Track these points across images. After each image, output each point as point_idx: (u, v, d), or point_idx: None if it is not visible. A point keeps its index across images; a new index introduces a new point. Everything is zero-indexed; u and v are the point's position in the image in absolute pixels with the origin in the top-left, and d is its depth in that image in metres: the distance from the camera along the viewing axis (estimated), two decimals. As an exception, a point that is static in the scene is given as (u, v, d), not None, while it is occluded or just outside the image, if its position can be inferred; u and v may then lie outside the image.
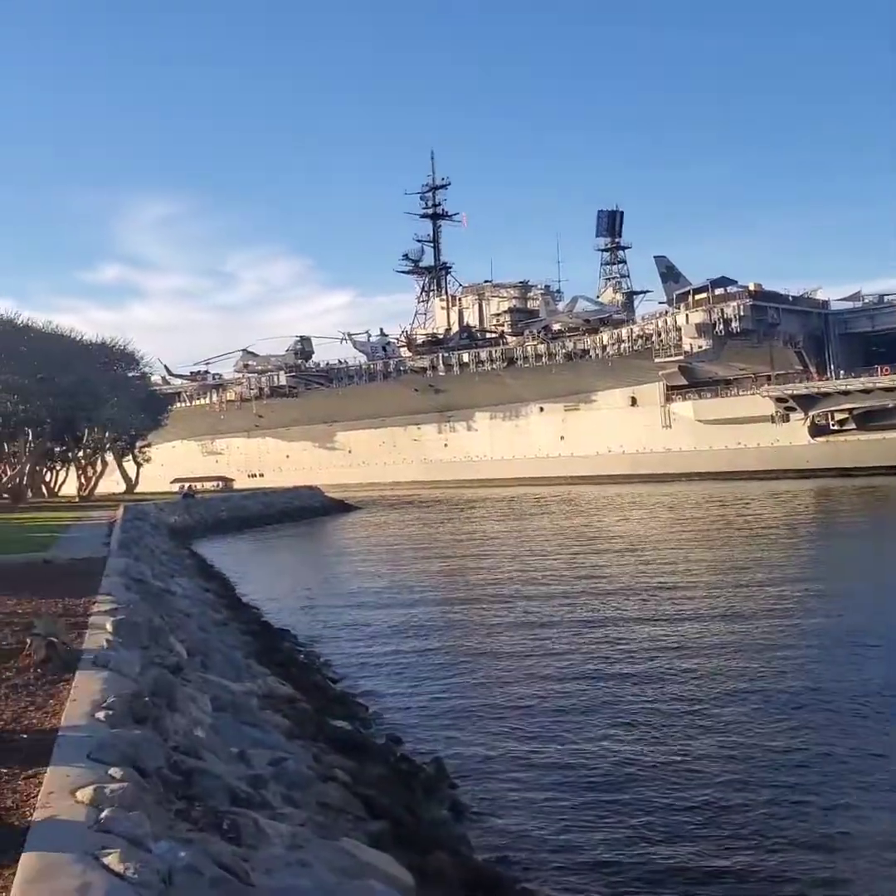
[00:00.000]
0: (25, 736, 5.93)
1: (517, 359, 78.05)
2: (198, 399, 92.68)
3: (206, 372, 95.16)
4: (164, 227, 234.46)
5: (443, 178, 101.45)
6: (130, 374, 56.23)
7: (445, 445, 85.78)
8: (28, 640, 8.41)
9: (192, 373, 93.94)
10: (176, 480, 76.36)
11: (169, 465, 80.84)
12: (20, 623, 10.30)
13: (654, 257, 74.79)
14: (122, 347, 54.26)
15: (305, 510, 58.65)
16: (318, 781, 7.60)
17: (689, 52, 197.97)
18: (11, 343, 46.58)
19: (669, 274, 73.50)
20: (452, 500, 65.89)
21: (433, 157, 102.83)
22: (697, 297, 68.70)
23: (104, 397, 48.02)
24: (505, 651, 16.07)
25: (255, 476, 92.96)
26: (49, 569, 17.01)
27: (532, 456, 79.52)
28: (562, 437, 78.26)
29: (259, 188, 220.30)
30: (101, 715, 6.18)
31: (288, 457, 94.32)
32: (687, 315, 67.75)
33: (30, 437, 51.08)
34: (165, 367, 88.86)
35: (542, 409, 79.72)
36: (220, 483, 76.27)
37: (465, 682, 14.19)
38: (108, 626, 9.74)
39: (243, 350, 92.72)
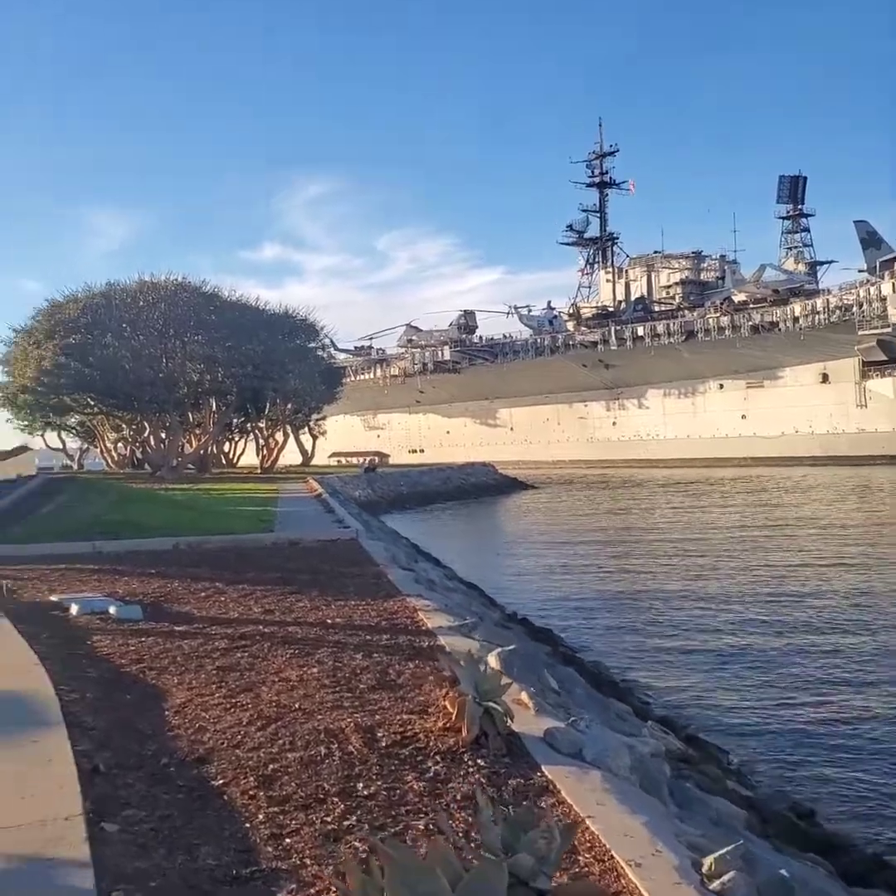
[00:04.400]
0: None
1: (697, 332, 72.82)
2: (362, 373, 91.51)
3: (370, 347, 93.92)
4: (318, 206, 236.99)
5: (611, 145, 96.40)
6: (310, 345, 54.53)
7: (614, 423, 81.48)
8: (448, 703, 5.40)
9: (355, 347, 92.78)
10: (334, 455, 75.10)
11: (330, 438, 79.66)
12: (395, 652, 7.45)
13: (855, 223, 68.05)
14: (303, 318, 52.55)
15: (480, 488, 56.04)
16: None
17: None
18: (200, 311, 45.36)
19: (871, 240, 66.75)
20: (625, 480, 61.85)
21: (601, 124, 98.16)
22: (906, 263, 62.04)
23: (288, 368, 46.32)
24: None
25: (416, 452, 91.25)
26: (304, 553, 14.52)
27: (709, 436, 74.28)
28: (743, 416, 72.68)
29: (409, 167, 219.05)
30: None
31: (448, 433, 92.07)
32: (893, 283, 61.14)
33: (214, 408, 50.17)
34: (331, 340, 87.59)
35: (721, 386, 74.27)
36: (376, 458, 74.05)
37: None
38: (493, 661, 6.72)
39: (407, 325, 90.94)
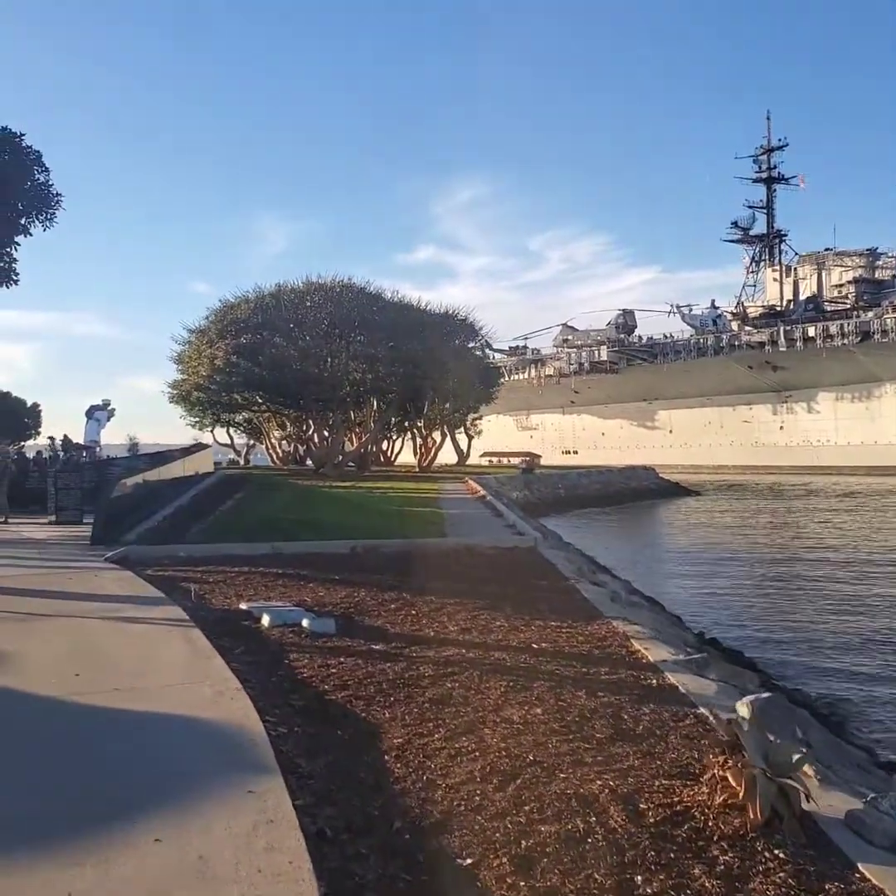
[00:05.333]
0: None
1: (873, 333, 68.11)
2: (516, 374, 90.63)
3: (525, 347, 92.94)
4: (473, 209, 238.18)
5: (779, 140, 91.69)
6: (469, 345, 54.11)
7: (781, 428, 77.37)
8: (730, 775, 4.45)
9: (510, 348, 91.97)
10: (485, 454, 74.37)
11: (482, 438, 79.09)
12: (621, 691, 6.57)
13: None
14: (462, 318, 52.16)
15: (641, 492, 54.18)
16: None
17: None
18: (364, 311, 45.61)
19: None
20: (796, 487, 58.36)
21: (769, 118, 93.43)
22: None
23: (448, 368, 45.97)
24: None
25: (569, 453, 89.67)
26: (483, 561, 13.76)
27: (885, 442, 69.38)
28: (924, 422, 67.51)
29: (563, 167, 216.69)
30: None
31: (603, 434, 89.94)
32: None
33: (375, 406, 50.49)
34: (486, 341, 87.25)
35: (901, 391, 69.25)
36: (526, 460, 72.66)
37: None
38: (743, 711, 5.68)
39: (562, 324, 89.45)
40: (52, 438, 26.99)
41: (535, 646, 8.04)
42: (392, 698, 6.26)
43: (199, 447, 34.47)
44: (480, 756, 5.12)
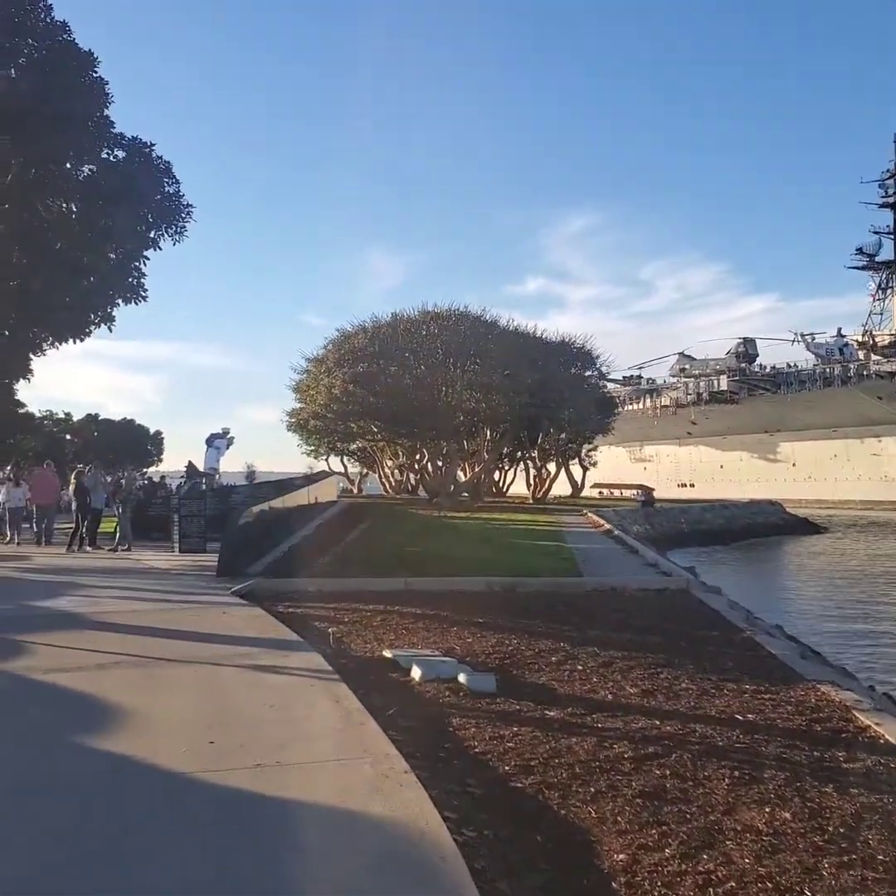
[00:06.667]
0: None
1: None
2: (631, 404, 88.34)
3: (640, 376, 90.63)
4: (583, 239, 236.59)
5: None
6: (586, 374, 52.66)
7: (913, 461, 72.82)
8: None
9: (624, 377, 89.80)
10: (596, 486, 72.12)
11: (593, 469, 77.01)
12: (876, 787, 5.16)
13: None
14: (579, 346, 50.83)
15: (767, 527, 51.25)
16: None
17: None
18: (479, 339, 44.80)
19: None
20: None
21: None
22: None
23: (565, 397, 44.65)
24: None
25: (685, 486, 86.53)
26: (635, 604, 12.41)
27: None
28: None
29: (676, 195, 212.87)
30: None
31: (721, 467, 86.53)
32: None
33: (488, 436, 49.51)
34: (600, 369, 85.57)
35: None
36: (644, 492, 70.01)
37: None
38: None
39: (679, 354, 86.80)
40: (190, 463, 26.48)
41: (739, 717, 6.66)
42: (592, 788, 5.01)
43: (322, 475, 34.08)
44: (740, 888, 3.83)
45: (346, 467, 59.63)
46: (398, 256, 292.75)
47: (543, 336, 49.90)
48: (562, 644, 9.20)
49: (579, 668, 8.21)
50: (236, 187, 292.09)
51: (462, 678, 7.25)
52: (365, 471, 60.66)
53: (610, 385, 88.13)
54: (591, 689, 7.47)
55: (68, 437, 70.71)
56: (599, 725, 6.32)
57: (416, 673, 7.43)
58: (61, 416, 72.96)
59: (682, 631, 10.38)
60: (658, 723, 6.43)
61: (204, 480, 25.82)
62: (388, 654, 8.24)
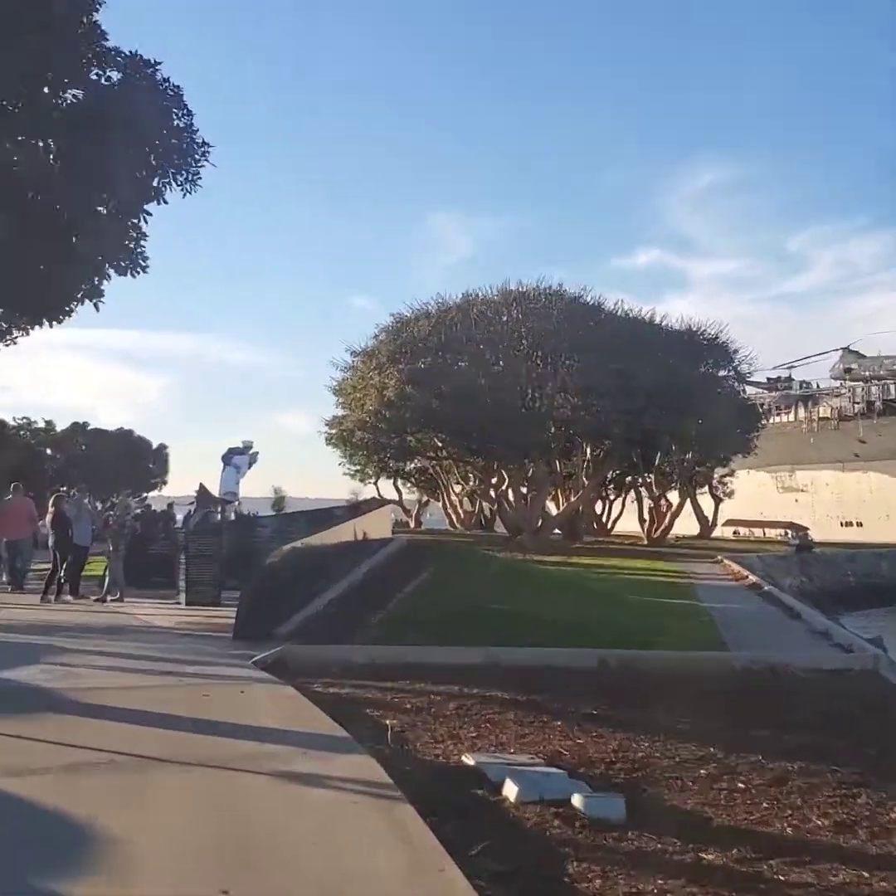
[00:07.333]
0: None
1: None
2: (777, 414, 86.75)
3: (789, 378, 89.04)
4: (709, 198, 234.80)
5: None
6: (720, 374, 51.51)
7: None
8: None
9: (768, 379, 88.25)
10: (729, 522, 70.51)
11: (729, 500, 75.59)
12: None
13: None
14: (711, 336, 49.73)
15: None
16: None
17: None
18: (577, 327, 43.80)
19: None
20: None
21: None
22: None
23: (693, 404, 43.41)
24: None
25: (851, 525, 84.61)
26: (806, 692, 11.88)
27: None
28: None
29: (836, 142, 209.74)
30: None
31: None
32: None
33: (588, 455, 48.77)
34: (738, 369, 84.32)
35: None
36: (791, 532, 67.46)
37: None
38: None
39: (843, 349, 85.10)
40: (202, 486, 26.26)
41: None
42: None
43: (372, 503, 33.91)
44: None
45: (400, 493, 59.57)
46: (466, 222, 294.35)
47: (663, 324, 49.09)
48: (711, 749, 8.59)
49: (740, 786, 7.61)
50: (271, 125, 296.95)
51: (577, 800, 6.65)
52: (425, 498, 60.51)
53: (750, 390, 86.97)
54: (762, 819, 6.85)
55: (48, 451, 72.22)
56: (782, 878, 5.68)
57: (510, 790, 6.86)
58: (41, 424, 74.70)
59: (877, 731, 9.73)
60: (867, 875, 5.77)
61: (219, 509, 25.69)
62: (469, 760, 7.72)
